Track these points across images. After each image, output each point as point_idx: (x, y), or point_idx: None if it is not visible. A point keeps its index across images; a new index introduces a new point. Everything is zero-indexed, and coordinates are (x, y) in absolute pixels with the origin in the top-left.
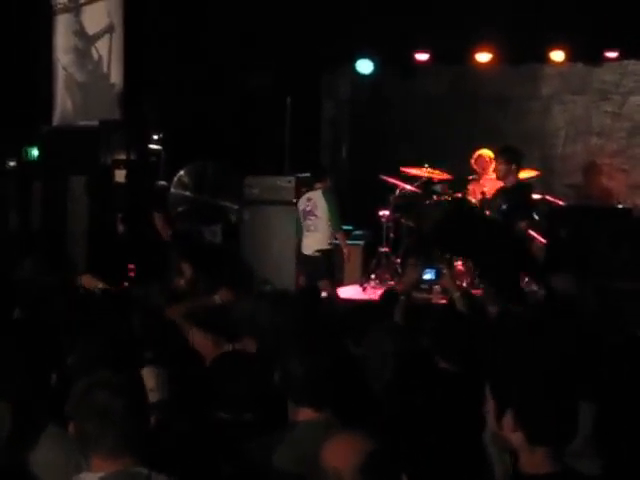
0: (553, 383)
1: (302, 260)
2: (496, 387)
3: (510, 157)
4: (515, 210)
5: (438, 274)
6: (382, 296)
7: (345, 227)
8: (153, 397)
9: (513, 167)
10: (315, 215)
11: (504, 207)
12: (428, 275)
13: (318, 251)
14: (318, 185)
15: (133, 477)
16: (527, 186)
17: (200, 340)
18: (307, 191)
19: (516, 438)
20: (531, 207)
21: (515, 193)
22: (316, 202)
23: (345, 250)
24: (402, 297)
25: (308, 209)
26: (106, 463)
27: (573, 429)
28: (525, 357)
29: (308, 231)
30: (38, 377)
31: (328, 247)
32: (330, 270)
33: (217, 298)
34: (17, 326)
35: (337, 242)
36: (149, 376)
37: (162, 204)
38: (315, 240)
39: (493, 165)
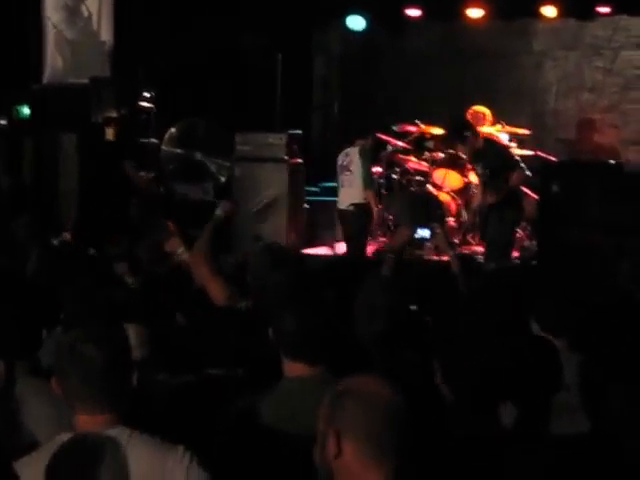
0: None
1: (338, 214)
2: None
3: (458, 134)
4: (499, 170)
5: (432, 233)
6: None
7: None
8: (136, 354)
9: (470, 137)
10: (350, 171)
11: (487, 171)
12: (422, 234)
13: (352, 205)
14: (358, 142)
15: (111, 439)
16: (494, 143)
17: (217, 292)
18: (347, 146)
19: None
20: (510, 160)
21: (489, 155)
22: (352, 158)
23: (375, 208)
24: (390, 255)
25: (345, 164)
26: (88, 420)
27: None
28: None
29: (343, 186)
30: (29, 333)
31: (363, 202)
32: (364, 225)
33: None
34: (7, 283)
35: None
36: (132, 333)
37: (151, 161)
38: (349, 195)
39: (488, 121)
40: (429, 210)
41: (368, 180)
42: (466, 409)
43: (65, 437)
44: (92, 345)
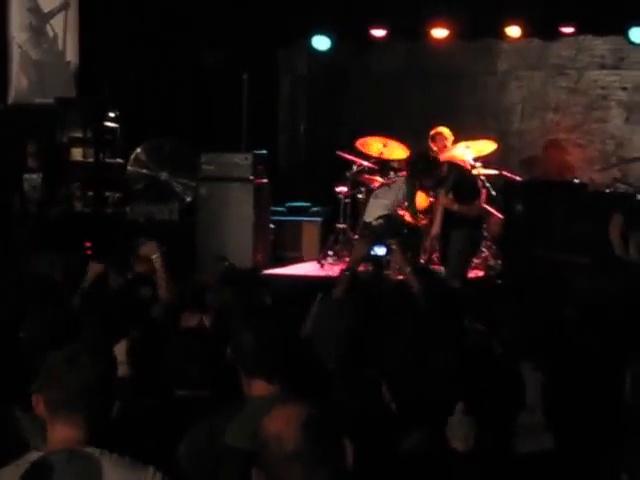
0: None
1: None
2: None
3: (423, 168)
4: (465, 189)
5: (388, 250)
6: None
7: (303, 204)
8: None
9: (435, 172)
10: None
11: (451, 184)
12: (379, 251)
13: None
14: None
15: (81, 457)
16: (457, 167)
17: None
18: None
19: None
20: (474, 185)
21: (452, 179)
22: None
23: None
24: (346, 272)
25: None
26: (65, 435)
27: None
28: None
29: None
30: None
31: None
32: None
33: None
34: None
35: None
36: (121, 350)
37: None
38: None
39: (450, 142)
40: (390, 226)
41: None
42: (415, 426)
43: (34, 455)
44: (90, 359)
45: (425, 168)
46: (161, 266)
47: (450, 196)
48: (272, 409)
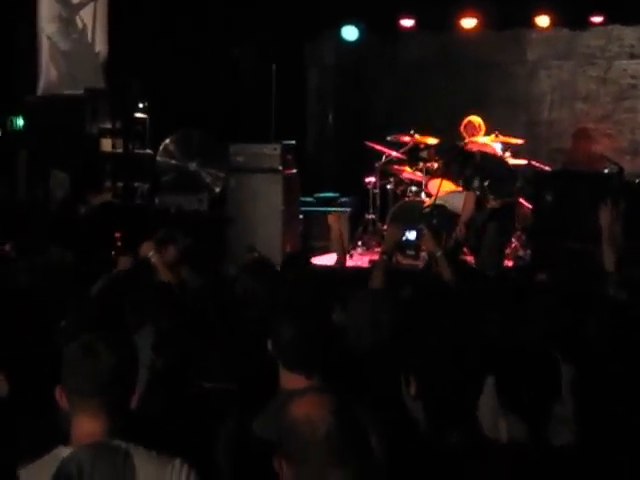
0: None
1: None
2: None
3: (457, 158)
4: (500, 181)
5: (419, 234)
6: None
7: (332, 194)
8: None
9: (460, 159)
10: None
11: (487, 183)
12: (409, 235)
13: None
14: None
15: (110, 451)
16: (491, 156)
17: None
18: None
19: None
20: (509, 179)
21: (487, 169)
22: None
23: None
24: (384, 257)
25: None
26: (89, 427)
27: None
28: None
29: None
30: (34, 344)
31: None
32: None
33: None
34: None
35: None
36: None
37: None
38: None
39: (482, 131)
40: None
41: None
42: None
43: (63, 451)
44: (107, 346)
45: (458, 158)
46: (161, 265)
47: (480, 192)
48: (294, 399)
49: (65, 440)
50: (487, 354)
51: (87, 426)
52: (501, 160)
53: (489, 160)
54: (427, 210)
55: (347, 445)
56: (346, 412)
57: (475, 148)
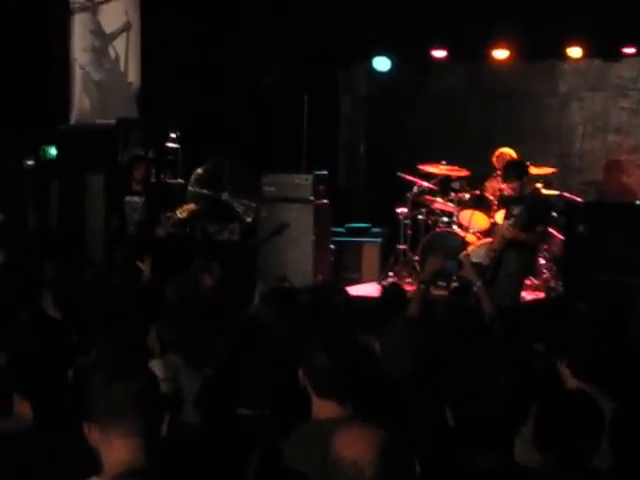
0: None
1: None
2: None
3: (519, 172)
4: (535, 217)
5: (459, 264)
6: (382, 292)
7: (363, 225)
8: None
9: (525, 179)
10: None
11: (525, 217)
12: (449, 267)
13: None
14: None
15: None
16: (540, 193)
17: None
18: None
19: None
20: (549, 210)
21: (533, 201)
22: None
23: None
24: (422, 286)
25: None
26: (120, 455)
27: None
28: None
29: None
30: (55, 374)
31: None
32: None
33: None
34: (34, 322)
35: None
36: (160, 367)
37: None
38: None
39: None
40: (453, 247)
41: None
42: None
43: None
44: (134, 372)
45: (519, 173)
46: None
47: (516, 227)
48: (342, 431)
49: (94, 470)
50: (529, 382)
51: (119, 451)
52: (546, 202)
53: (536, 196)
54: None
55: None
56: (391, 450)
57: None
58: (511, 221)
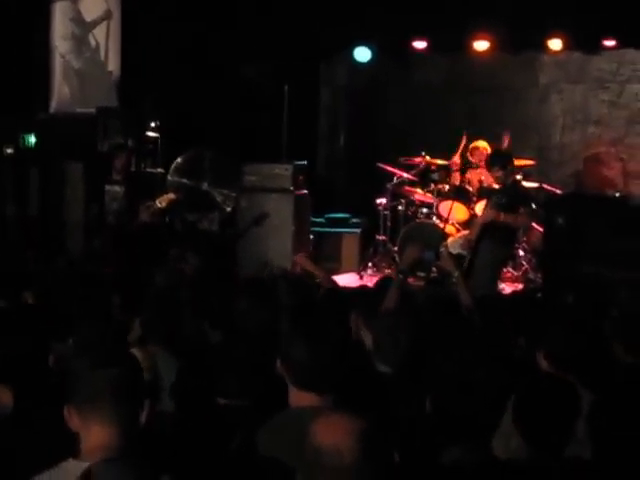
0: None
1: None
2: None
3: (504, 162)
4: (515, 200)
5: (437, 255)
6: (377, 283)
7: (343, 215)
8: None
9: (508, 168)
10: None
11: (504, 200)
12: (427, 257)
13: None
14: None
15: (125, 468)
16: (520, 182)
17: None
18: None
19: None
20: (529, 197)
21: (513, 188)
22: None
23: None
24: (400, 276)
25: None
26: (98, 441)
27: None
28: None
29: None
30: (36, 361)
31: None
32: None
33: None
34: (15, 310)
35: None
36: (139, 356)
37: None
38: None
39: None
40: (432, 237)
41: None
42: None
43: (73, 464)
44: (115, 359)
45: (504, 162)
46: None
47: (496, 209)
48: (321, 419)
49: (72, 454)
50: (509, 375)
51: (98, 437)
52: (525, 194)
53: (516, 187)
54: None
55: (372, 473)
56: (371, 438)
57: (485, 176)
58: (491, 204)
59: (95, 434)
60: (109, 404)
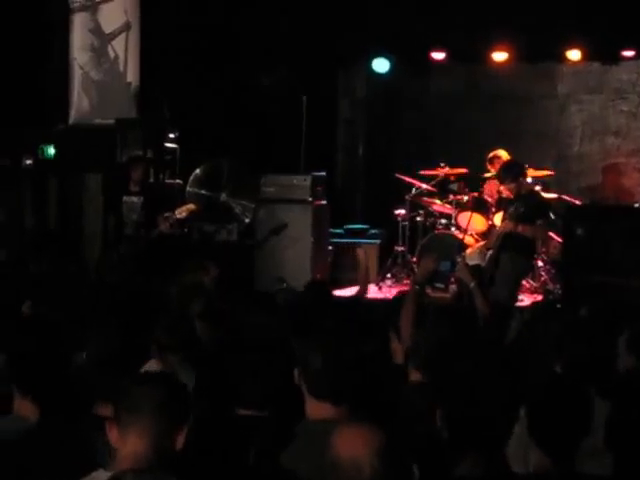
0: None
1: None
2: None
3: (515, 173)
4: (533, 211)
5: (453, 265)
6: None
7: (361, 226)
8: None
9: (521, 180)
10: None
11: (522, 210)
12: (443, 267)
13: None
14: None
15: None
16: (538, 192)
17: None
18: None
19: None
20: (547, 208)
21: (531, 198)
22: None
23: None
24: (416, 287)
25: None
26: (130, 450)
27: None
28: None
29: None
30: (57, 372)
31: None
32: None
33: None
34: (34, 320)
35: None
36: (157, 367)
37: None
38: None
39: None
40: (451, 248)
41: None
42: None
43: (104, 475)
44: (164, 380)
45: (515, 174)
46: None
47: (514, 220)
48: (340, 430)
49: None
50: (521, 387)
51: (131, 448)
52: (535, 193)
53: (533, 197)
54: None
55: None
56: (390, 452)
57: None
58: (508, 215)
59: (129, 446)
60: (148, 418)
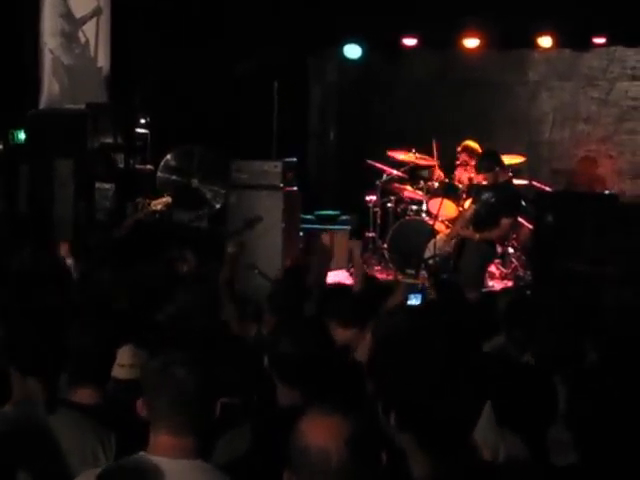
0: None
1: None
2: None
3: (491, 163)
4: (502, 205)
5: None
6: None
7: (332, 212)
8: (130, 374)
9: (497, 170)
10: None
11: (492, 200)
12: (413, 300)
13: None
14: None
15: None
16: (512, 185)
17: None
18: None
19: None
20: (518, 202)
21: (504, 190)
22: None
23: None
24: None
25: None
26: (169, 442)
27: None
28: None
29: None
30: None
31: None
32: None
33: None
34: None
35: None
36: (130, 353)
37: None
38: None
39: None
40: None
41: None
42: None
43: (144, 457)
44: (184, 371)
45: (491, 164)
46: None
47: (470, 225)
48: (308, 420)
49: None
50: (485, 376)
51: (167, 443)
52: (517, 196)
53: (508, 189)
54: (430, 261)
55: (358, 475)
56: (358, 439)
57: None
58: (476, 200)
59: (164, 438)
60: (178, 416)
